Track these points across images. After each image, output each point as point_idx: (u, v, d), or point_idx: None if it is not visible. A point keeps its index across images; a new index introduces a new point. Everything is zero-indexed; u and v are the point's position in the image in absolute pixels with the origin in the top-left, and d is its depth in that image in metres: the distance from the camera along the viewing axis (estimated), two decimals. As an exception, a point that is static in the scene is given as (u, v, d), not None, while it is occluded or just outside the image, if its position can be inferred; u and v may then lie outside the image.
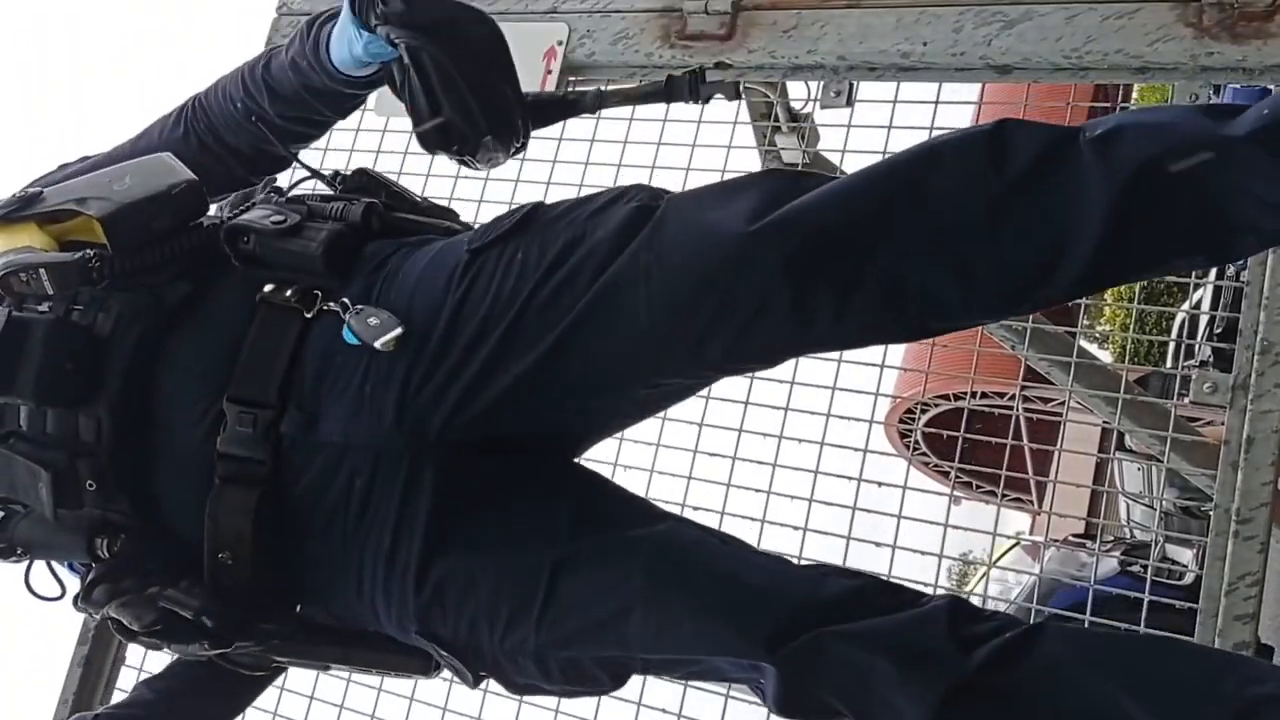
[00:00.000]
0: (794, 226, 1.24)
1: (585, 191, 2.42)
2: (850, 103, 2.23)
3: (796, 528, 2.25)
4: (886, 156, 1.26)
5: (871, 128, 2.33)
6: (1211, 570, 1.84)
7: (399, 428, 1.36)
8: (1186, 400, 2.03)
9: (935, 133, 2.24)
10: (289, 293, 1.41)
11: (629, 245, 1.33)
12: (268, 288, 1.42)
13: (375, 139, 2.71)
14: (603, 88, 1.62)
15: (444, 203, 1.76)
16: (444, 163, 1.61)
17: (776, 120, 2.57)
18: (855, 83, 2.20)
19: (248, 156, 1.62)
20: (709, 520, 2.26)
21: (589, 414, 1.49)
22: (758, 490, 2.32)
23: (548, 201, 1.50)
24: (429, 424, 1.35)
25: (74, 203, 1.42)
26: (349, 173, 1.65)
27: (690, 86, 1.51)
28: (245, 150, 1.62)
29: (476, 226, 1.56)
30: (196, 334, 1.43)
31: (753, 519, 2.28)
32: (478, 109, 1.35)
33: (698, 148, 2.42)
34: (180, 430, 1.41)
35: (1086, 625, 2.02)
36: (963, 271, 1.21)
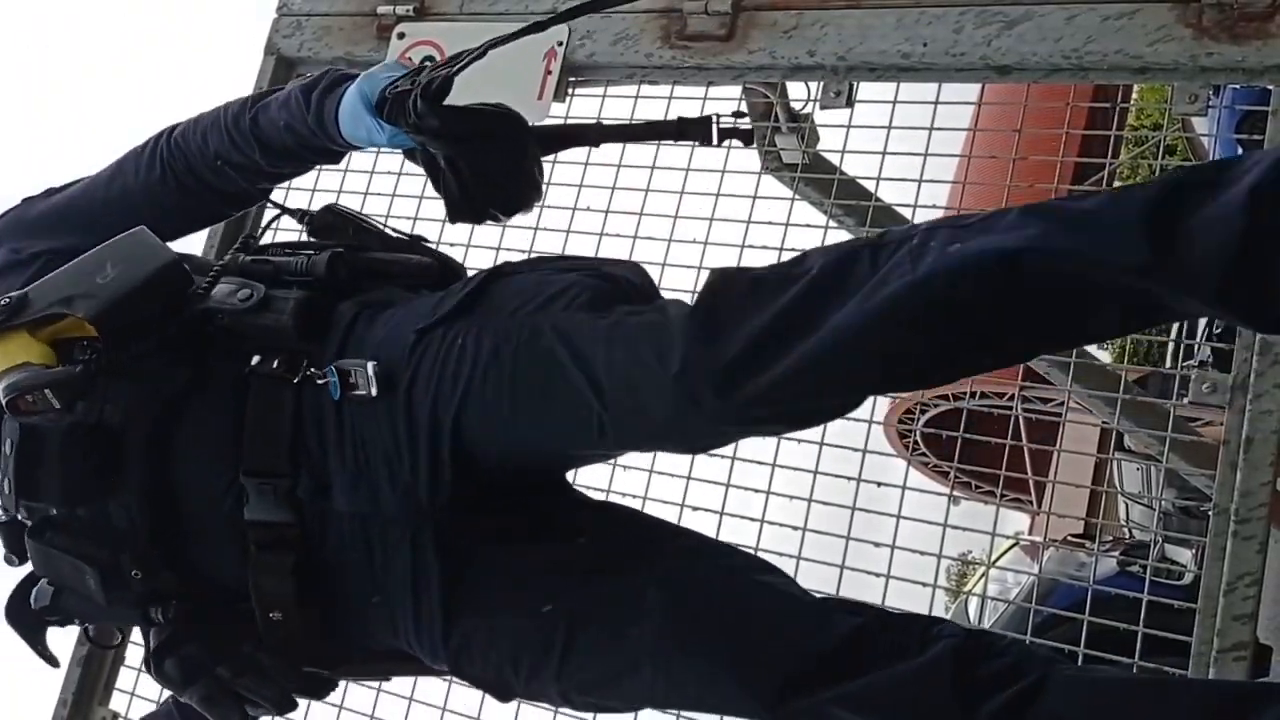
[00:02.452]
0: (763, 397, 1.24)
1: (585, 190, 2.44)
2: (850, 103, 2.22)
3: (795, 528, 2.25)
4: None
5: (871, 128, 2.33)
6: (1210, 570, 1.84)
7: (394, 500, 1.42)
8: (1185, 400, 2.03)
9: (934, 134, 2.27)
10: (275, 364, 1.45)
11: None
12: (255, 360, 1.46)
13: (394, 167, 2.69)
14: (607, 126, 1.66)
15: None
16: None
17: (776, 121, 2.57)
18: (855, 83, 2.19)
19: (229, 195, 1.67)
20: (709, 521, 2.27)
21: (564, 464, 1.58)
22: (756, 490, 2.31)
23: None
24: (419, 497, 1.42)
25: (60, 304, 1.43)
26: (316, 210, 1.71)
27: (703, 131, 1.58)
28: (226, 190, 1.66)
29: (445, 259, 1.67)
30: (200, 414, 1.48)
31: (752, 519, 2.27)
32: (508, 196, 1.47)
33: (697, 148, 2.41)
34: (207, 510, 1.47)
35: (1085, 626, 2.02)
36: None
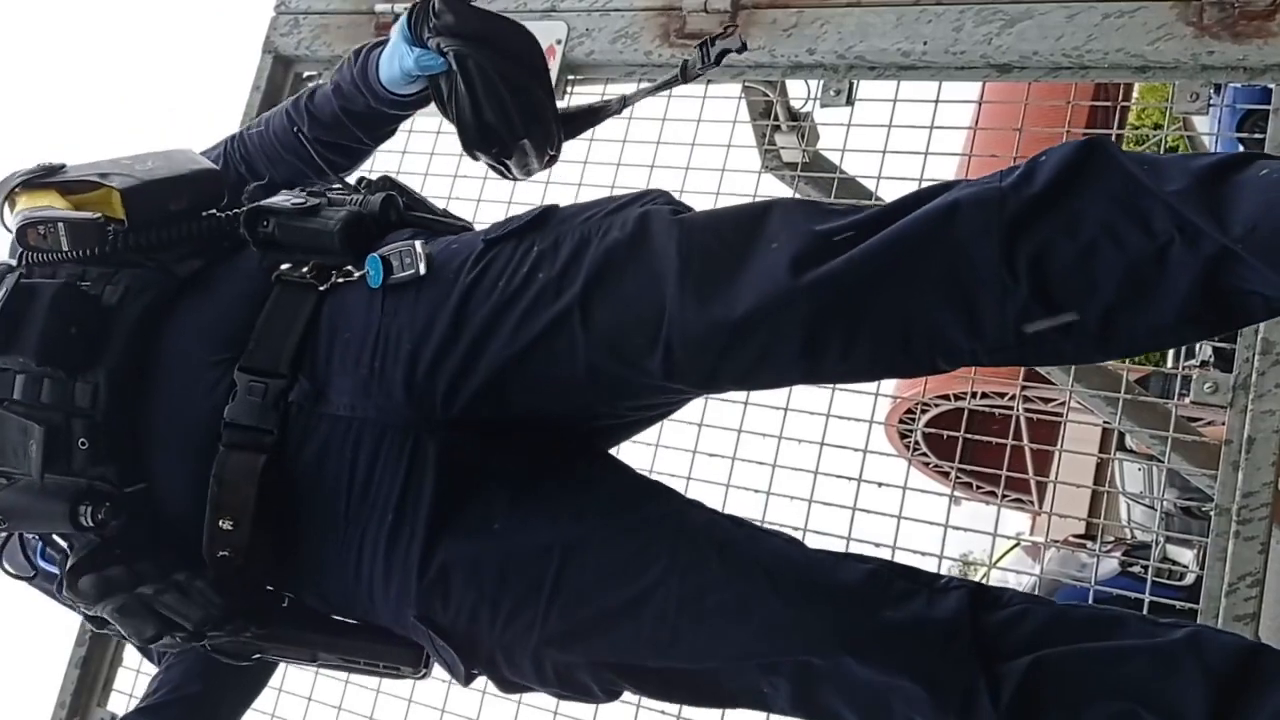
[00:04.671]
0: (836, 282, 1.21)
1: (584, 189, 2.44)
2: (850, 101, 2.22)
3: (796, 528, 2.24)
4: (909, 209, 1.22)
5: (871, 127, 2.32)
6: (1212, 571, 1.83)
7: (406, 403, 1.36)
8: (1187, 400, 2.02)
9: (934, 133, 2.26)
10: (305, 269, 1.44)
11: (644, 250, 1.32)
12: (284, 266, 1.45)
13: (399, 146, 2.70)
14: (626, 95, 1.66)
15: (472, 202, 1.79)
16: (470, 166, 1.65)
17: (776, 119, 2.56)
18: (855, 81, 2.19)
19: (282, 186, 1.64)
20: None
21: (593, 411, 1.48)
22: (757, 491, 2.31)
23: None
24: (435, 401, 1.36)
25: (96, 175, 1.46)
26: (373, 178, 1.68)
27: (703, 56, 1.54)
28: (280, 180, 1.65)
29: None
30: (208, 305, 1.46)
31: (752, 520, 2.27)
32: (516, 112, 1.43)
33: (697, 146, 2.42)
34: (186, 398, 1.42)
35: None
36: (971, 319, 1.19)
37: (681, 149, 2.42)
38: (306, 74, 2.80)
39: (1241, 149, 2.63)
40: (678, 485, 2.30)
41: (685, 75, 1.58)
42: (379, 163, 2.61)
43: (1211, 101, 2.02)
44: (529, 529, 1.37)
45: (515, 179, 1.53)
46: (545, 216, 1.43)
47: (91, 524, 1.38)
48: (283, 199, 1.51)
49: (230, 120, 2.80)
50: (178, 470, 1.42)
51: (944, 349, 1.22)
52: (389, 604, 1.40)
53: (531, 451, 1.43)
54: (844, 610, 1.28)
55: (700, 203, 2.36)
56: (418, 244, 1.40)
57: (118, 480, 1.41)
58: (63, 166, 1.49)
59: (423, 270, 1.38)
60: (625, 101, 1.63)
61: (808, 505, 2.26)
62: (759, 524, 1.54)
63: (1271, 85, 1.94)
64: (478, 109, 1.43)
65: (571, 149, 2.53)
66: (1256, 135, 2.05)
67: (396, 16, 2.52)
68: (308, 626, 1.50)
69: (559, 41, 2.32)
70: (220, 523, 1.38)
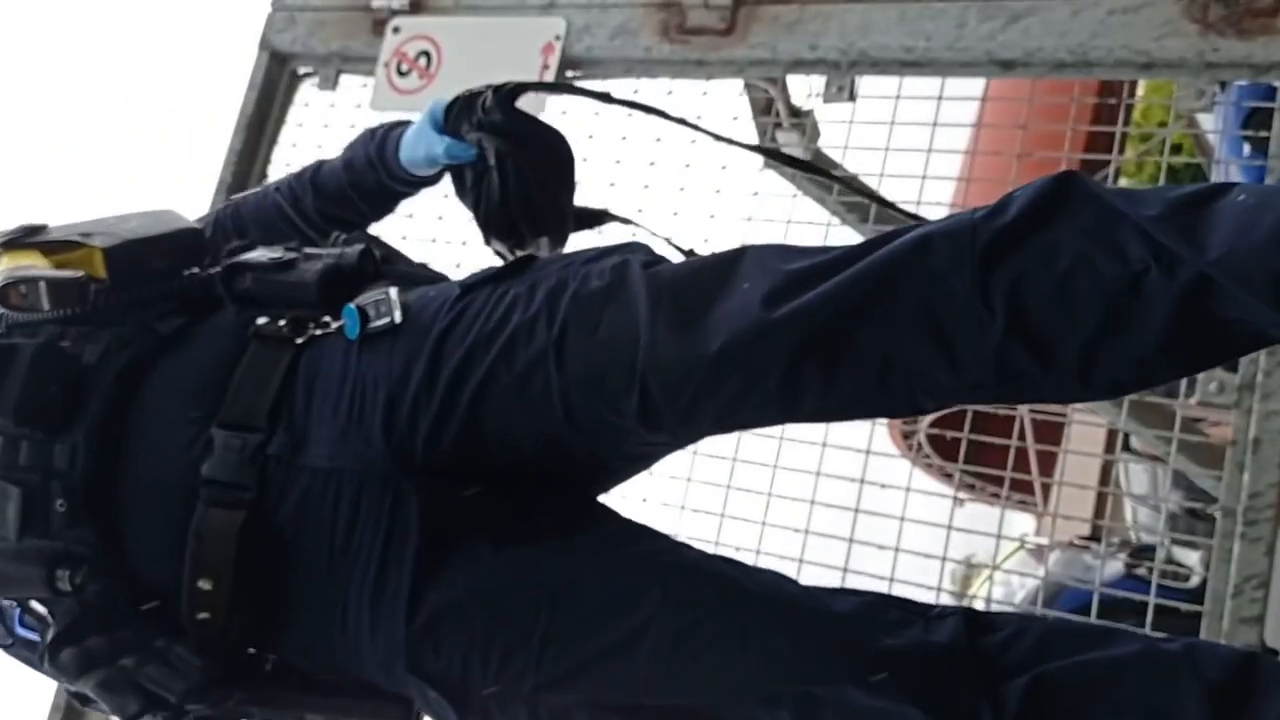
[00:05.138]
0: (811, 316, 1.20)
1: (583, 189, 2.42)
2: (852, 98, 2.21)
3: (798, 530, 2.23)
4: (880, 245, 1.22)
5: (874, 123, 2.31)
6: (1217, 573, 1.83)
7: (385, 450, 1.34)
8: (1192, 401, 2.01)
9: (937, 130, 2.25)
10: (282, 323, 1.43)
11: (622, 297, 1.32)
12: (261, 320, 1.44)
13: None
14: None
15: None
16: (415, 248, 1.80)
17: (778, 116, 2.55)
18: (857, 78, 2.18)
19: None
20: (710, 523, 2.26)
21: (573, 458, 1.44)
22: (759, 492, 2.30)
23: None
24: (414, 448, 1.34)
25: (79, 235, 1.46)
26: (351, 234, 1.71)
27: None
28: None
29: None
30: (186, 361, 1.45)
31: (754, 521, 2.26)
32: (541, 214, 1.55)
33: (697, 143, 2.40)
34: (163, 456, 1.40)
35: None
36: (948, 354, 1.17)
37: (682, 146, 2.40)
38: (302, 70, 2.80)
39: (1247, 147, 2.61)
40: (678, 487, 2.31)
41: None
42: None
43: (1217, 99, 2.01)
44: (516, 572, 1.34)
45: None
46: (523, 264, 1.44)
47: (70, 588, 1.36)
48: (259, 254, 1.51)
49: (230, 120, 2.79)
50: (156, 530, 1.40)
51: (924, 385, 1.21)
52: (377, 656, 1.36)
53: (515, 497, 1.41)
54: (842, 639, 1.26)
55: (701, 200, 2.38)
56: (393, 292, 1.39)
57: (96, 543, 1.39)
58: (44, 227, 1.49)
59: (399, 318, 1.38)
60: (629, 222, 1.74)
61: (809, 507, 2.25)
62: (751, 565, 1.53)
63: (1276, 83, 1.93)
64: (505, 204, 1.53)
65: (572, 148, 2.53)
66: (1262, 134, 2.04)
67: (394, 13, 2.53)
68: (294, 687, 1.46)
69: (558, 37, 2.31)
70: (199, 583, 1.35)
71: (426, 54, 2.49)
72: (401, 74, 2.53)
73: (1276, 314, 1.04)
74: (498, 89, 1.55)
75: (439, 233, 2.49)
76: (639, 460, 1.56)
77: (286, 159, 2.75)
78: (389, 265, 1.57)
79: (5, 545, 1.38)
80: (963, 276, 1.14)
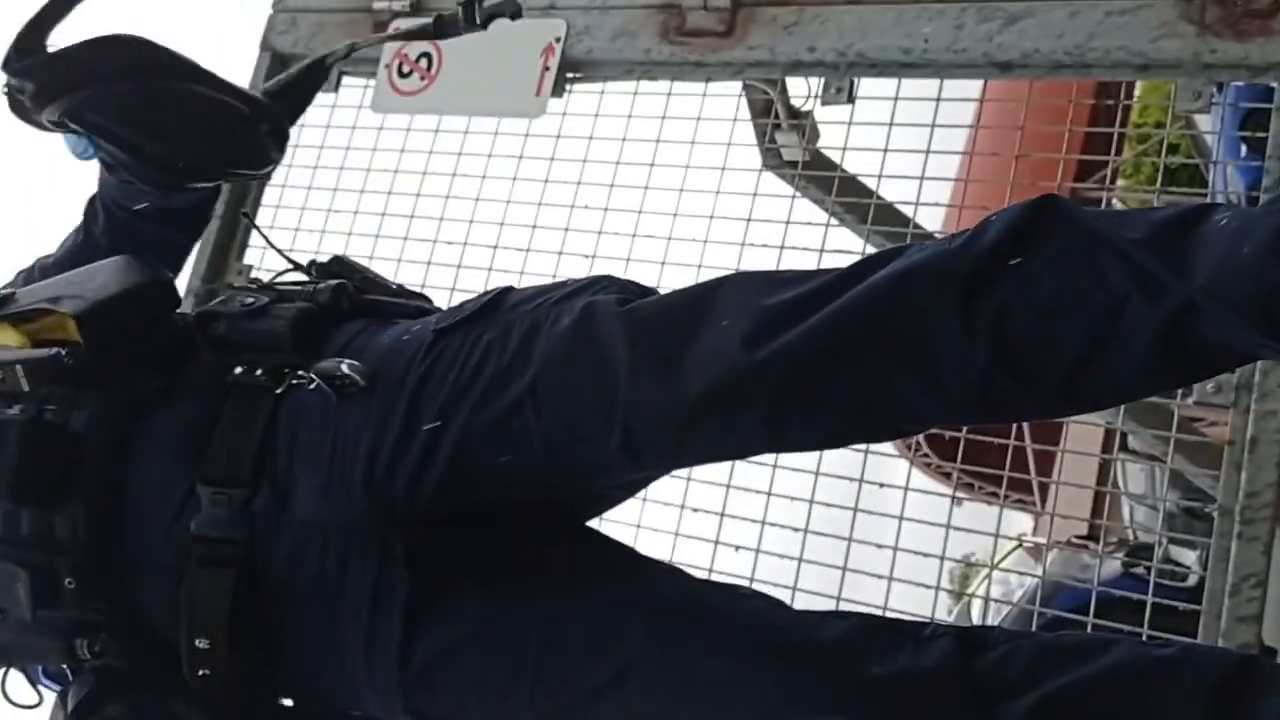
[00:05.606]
0: (792, 355, 1.20)
1: (582, 189, 2.43)
2: (851, 100, 2.21)
3: (797, 529, 2.23)
4: (860, 278, 1.21)
5: (872, 125, 2.31)
6: (1215, 572, 1.83)
7: (367, 502, 1.35)
8: (1190, 400, 2.01)
9: (936, 131, 2.25)
10: (259, 372, 1.42)
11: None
12: (237, 370, 1.42)
13: (347, 220, 2.71)
14: (356, 41, 1.60)
15: (416, 288, 1.78)
16: (416, 249, 1.61)
17: (776, 117, 2.55)
18: (856, 79, 2.18)
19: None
20: (709, 522, 2.26)
21: (556, 494, 1.47)
22: (758, 492, 2.30)
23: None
24: (396, 497, 1.35)
25: (47, 302, 1.43)
26: (325, 260, 1.67)
27: (466, 14, 1.48)
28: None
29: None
30: (169, 420, 1.44)
31: (753, 520, 2.26)
32: (178, 127, 1.41)
33: (697, 144, 2.41)
34: (154, 520, 1.40)
35: (1089, 629, 2.00)
36: (932, 383, 1.17)
37: (681, 147, 2.41)
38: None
39: (1244, 148, 2.62)
40: (678, 486, 2.31)
41: (439, 29, 1.53)
42: (356, 247, 2.63)
43: (1214, 100, 2.01)
44: (505, 613, 1.36)
45: (264, 175, 1.49)
46: (495, 304, 1.42)
47: (89, 655, 1.38)
48: (232, 299, 1.50)
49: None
50: (158, 593, 1.41)
51: (908, 414, 1.22)
52: (376, 698, 1.39)
53: (501, 535, 1.42)
54: (830, 669, 1.27)
55: (701, 201, 2.38)
56: (344, 366, 1.37)
57: (109, 611, 1.41)
58: (11, 296, 1.47)
59: (362, 383, 1.36)
60: (352, 49, 1.57)
61: (809, 506, 2.25)
62: (741, 588, 1.53)
63: (1274, 84, 1.93)
64: (138, 150, 1.40)
65: (569, 148, 2.53)
66: (1259, 135, 2.04)
67: (395, 14, 2.53)
68: None
69: (558, 39, 2.31)
70: (196, 643, 1.36)
71: (427, 55, 2.49)
72: (402, 75, 2.53)
73: (1263, 336, 1.04)
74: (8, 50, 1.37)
75: (438, 233, 2.49)
76: (629, 488, 1.58)
77: (287, 160, 2.75)
78: (365, 296, 1.57)
79: (21, 620, 1.39)
80: (945, 311, 1.14)
